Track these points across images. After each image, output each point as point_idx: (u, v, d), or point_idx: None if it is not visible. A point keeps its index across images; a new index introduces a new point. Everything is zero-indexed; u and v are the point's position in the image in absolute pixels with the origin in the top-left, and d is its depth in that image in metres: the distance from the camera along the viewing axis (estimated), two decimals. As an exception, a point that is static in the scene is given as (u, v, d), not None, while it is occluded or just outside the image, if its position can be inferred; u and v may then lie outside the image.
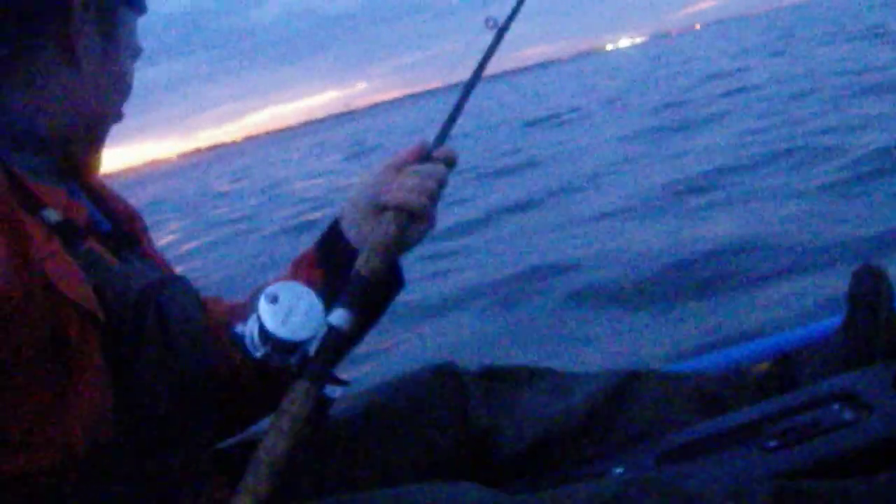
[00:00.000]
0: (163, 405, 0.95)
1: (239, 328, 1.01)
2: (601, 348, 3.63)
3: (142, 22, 1.10)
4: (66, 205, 0.94)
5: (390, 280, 1.21)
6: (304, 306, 1.00)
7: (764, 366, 1.54)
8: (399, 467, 1.27)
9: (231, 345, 1.01)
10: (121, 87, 1.07)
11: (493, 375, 1.40)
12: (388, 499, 1.02)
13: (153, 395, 0.94)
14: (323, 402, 0.98)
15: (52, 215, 0.88)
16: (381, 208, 1.16)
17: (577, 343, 3.74)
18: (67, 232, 0.89)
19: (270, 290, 0.99)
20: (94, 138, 1.06)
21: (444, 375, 1.36)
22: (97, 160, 1.08)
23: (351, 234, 1.20)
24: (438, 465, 1.28)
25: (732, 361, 1.68)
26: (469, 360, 1.45)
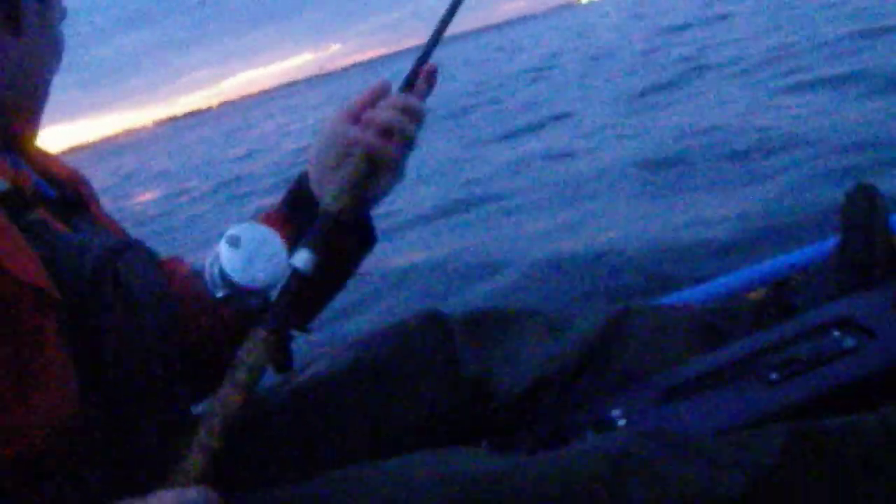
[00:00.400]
0: (132, 376, 0.89)
1: (199, 264, 0.98)
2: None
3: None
4: (10, 174, 0.90)
5: (361, 228, 1.15)
6: (266, 251, 0.96)
7: (759, 293, 1.50)
8: (391, 425, 1.21)
9: (196, 293, 0.99)
10: (57, 51, 1.05)
11: (480, 320, 1.34)
12: (392, 473, 0.94)
13: (121, 368, 0.88)
14: (284, 351, 0.95)
15: None
16: (343, 157, 1.08)
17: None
18: (13, 202, 0.85)
19: (232, 232, 0.95)
20: (36, 105, 1.03)
21: (431, 323, 1.30)
22: (36, 126, 1.04)
23: (316, 189, 1.13)
24: (432, 417, 1.23)
25: (727, 290, 1.65)
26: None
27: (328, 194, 1.05)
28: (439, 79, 1.14)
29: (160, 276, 1.01)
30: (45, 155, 1.07)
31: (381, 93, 1.11)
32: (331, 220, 1.03)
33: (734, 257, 2.97)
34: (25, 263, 0.78)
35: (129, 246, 0.97)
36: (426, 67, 1.12)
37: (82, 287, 0.84)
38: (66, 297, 0.82)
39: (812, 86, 6.43)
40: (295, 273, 0.97)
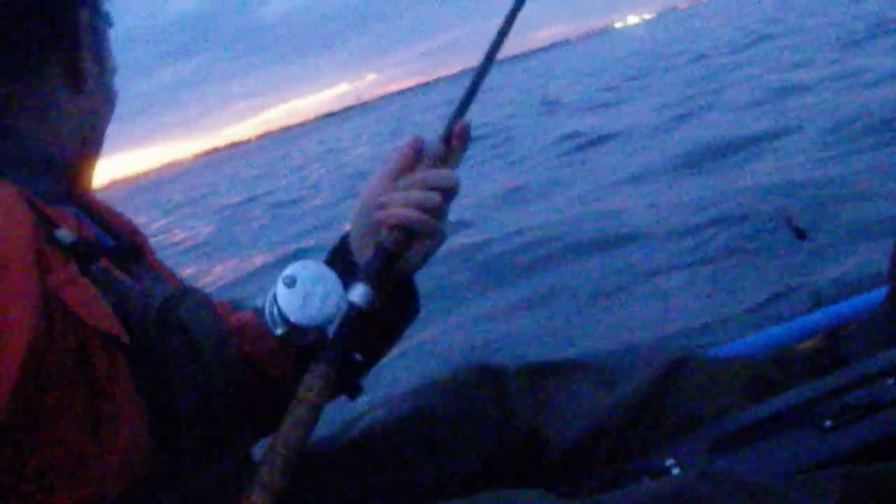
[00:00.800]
0: (198, 417, 0.91)
1: (259, 302, 1.02)
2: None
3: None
4: (75, 225, 0.91)
5: (403, 294, 1.15)
6: (322, 288, 0.99)
7: (811, 343, 1.50)
8: (446, 475, 1.23)
9: (256, 329, 1.03)
10: (110, 108, 1.08)
11: (533, 371, 1.36)
12: None
13: (187, 412, 0.90)
14: (346, 384, 0.98)
15: (66, 235, 0.85)
16: (378, 227, 1.08)
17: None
18: (81, 252, 0.86)
19: (288, 272, 0.99)
20: (94, 157, 1.06)
21: (485, 374, 1.32)
22: (92, 176, 1.07)
23: (356, 253, 1.12)
24: (487, 468, 1.25)
25: (778, 340, 1.65)
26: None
27: (384, 230, 1.06)
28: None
29: (218, 319, 1.03)
30: (99, 205, 1.09)
31: (416, 153, 1.11)
32: (386, 255, 1.04)
33: (786, 307, 2.94)
34: (98, 311, 0.80)
35: (188, 292, 0.98)
36: (460, 125, 1.11)
37: (149, 333, 0.86)
38: (133, 342, 0.84)
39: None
40: (352, 307, 0.99)
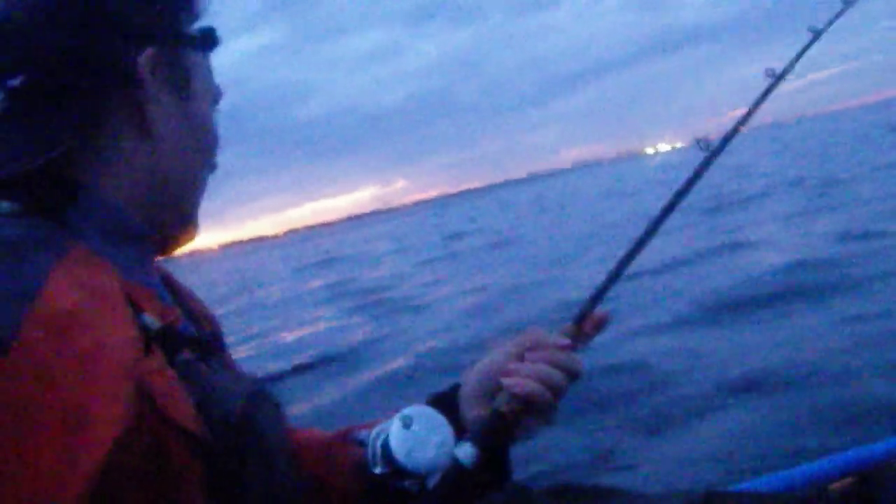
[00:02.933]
0: None
1: (364, 434, 1.00)
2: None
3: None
4: (161, 309, 0.84)
5: (497, 464, 1.11)
6: (436, 439, 0.97)
7: (843, 483, 1.47)
8: None
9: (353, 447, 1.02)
10: (205, 141, 0.97)
11: (561, 493, 1.33)
12: None
13: None
14: None
15: (152, 322, 0.79)
16: (498, 389, 1.05)
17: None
18: (167, 341, 0.80)
19: (408, 412, 0.97)
20: (186, 204, 0.96)
21: (516, 496, 1.30)
22: (194, 224, 0.99)
23: (464, 408, 1.09)
24: None
25: (810, 478, 1.61)
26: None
27: (503, 396, 1.04)
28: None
29: (288, 434, 0.99)
30: (181, 286, 1.04)
31: (545, 341, 1.08)
32: (501, 421, 1.02)
33: (817, 444, 2.90)
34: (180, 406, 0.75)
35: (265, 396, 0.94)
36: (598, 315, 1.11)
37: (227, 434, 0.81)
38: (211, 443, 0.79)
39: None
40: (456, 464, 0.96)
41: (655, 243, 1.18)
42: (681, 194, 1.20)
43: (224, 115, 1.00)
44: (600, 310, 1.11)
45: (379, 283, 15.11)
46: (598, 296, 1.12)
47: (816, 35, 1.46)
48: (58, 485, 0.61)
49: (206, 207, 1.00)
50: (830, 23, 1.51)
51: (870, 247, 7.34)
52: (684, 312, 6.47)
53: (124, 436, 0.65)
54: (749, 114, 1.36)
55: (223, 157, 1.00)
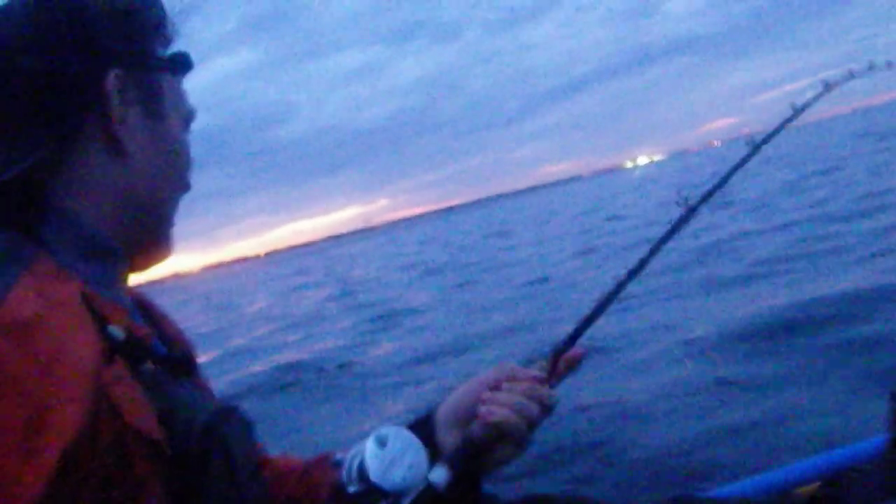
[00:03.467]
0: None
1: (340, 456, 1.02)
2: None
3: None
4: (128, 323, 0.85)
5: (468, 492, 1.12)
6: (409, 459, 1.00)
7: (810, 489, 1.50)
8: None
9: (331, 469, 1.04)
10: (176, 162, 0.99)
11: (530, 503, 1.35)
12: None
13: None
14: None
15: (118, 332, 0.80)
16: (473, 417, 1.09)
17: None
18: (131, 351, 0.82)
19: (381, 432, 1.00)
20: (158, 222, 0.98)
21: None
22: (167, 243, 1.01)
23: (440, 434, 1.11)
24: None
25: (777, 484, 1.65)
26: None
27: (477, 423, 1.07)
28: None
29: (254, 446, 1.01)
30: (154, 307, 1.06)
31: (520, 374, 1.11)
32: (474, 447, 1.05)
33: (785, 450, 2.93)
34: (141, 414, 0.77)
35: (234, 411, 0.96)
36: (573, 353, 1.14)
37: (191, 445, 0.83)
38: (173, 451, 0.81)
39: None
40: (429, 486, 0.99)
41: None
42: (662, 241, 1.23)
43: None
44: (576, 348, 1.14)
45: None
46: (576, 335, 1.15)
47: (796, 112, 1.50)
48: (16, 484, 0.63)
49: (187, 230, 1.02)
50: (811, 102, 1.55)
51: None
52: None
53: (82, 439, 0.67)
54: (725, 179, 1.38)
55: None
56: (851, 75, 1.54)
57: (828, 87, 1.55)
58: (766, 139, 1.44)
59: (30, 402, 0.65)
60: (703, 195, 1.28)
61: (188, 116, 1.02)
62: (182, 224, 1.02)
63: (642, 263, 1.21)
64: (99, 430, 0.70)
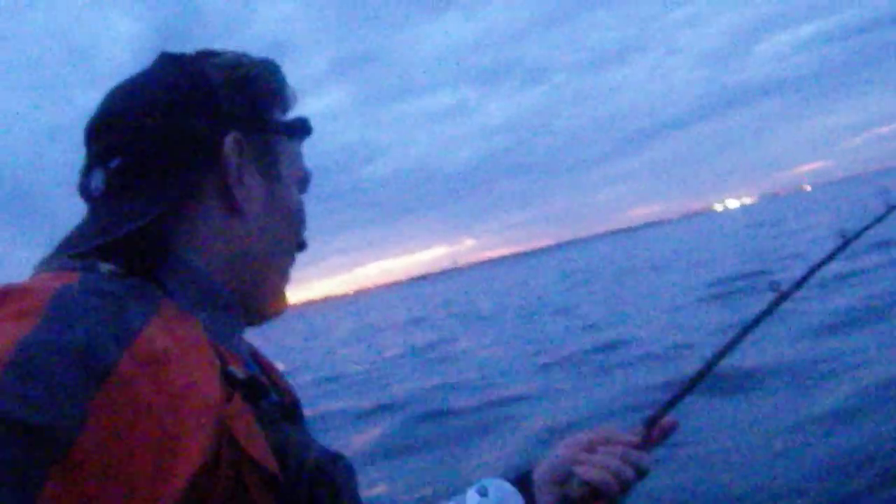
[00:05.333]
0: None
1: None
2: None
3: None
4: (243, 369, 0.88)
5: None
6: None
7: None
8: None
9: None
10: (291, 222, 1.01)
11: None
12: None
13: None
14: None
15: (239, 371, 0.84)
16: (569, 476, 1.12)
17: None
18: (250, 390, 0.85)
19: (485, 482, 1.06)
20: (272, 280, 1.00)
21: None
22: (280, 299, 1.03)
23: (537, 492, 1.13)
24: None
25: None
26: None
27: (574, 482, 1.11)
28: None
29: (358, 495, 1.01)
30: (266, 360, 1.08)
31: (616, 437, 1.15)
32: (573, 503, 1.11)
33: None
34: (258, 446, 0.79)
35: (341, 457, 0.98)
36: (667, 422, 1.17)
37: (302, 481, 0.86)
38: (287, 486, 0.83)
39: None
40: None
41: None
42: (752, 325, 1.24)
43: None
44: (670, 417, 1.17)
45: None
46: (671, 403, 1.18)
47: (847, 241, 1.45)
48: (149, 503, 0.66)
49: None
50: (863, 230, 1.50)
51: None
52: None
53: (207, 465, 0.71)
54: (815, 269, 1.35)
55: None
56: None
57: None
58: (858, 234, 1.42)
59: (162, 429, 0.68)
60: (795, 282, 1.28)
61: (304, 178, 1.05)
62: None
63: (732, 344, 1.22)
64: (220, 459, 0.74)
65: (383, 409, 9.24)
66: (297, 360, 18.64)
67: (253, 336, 1.01)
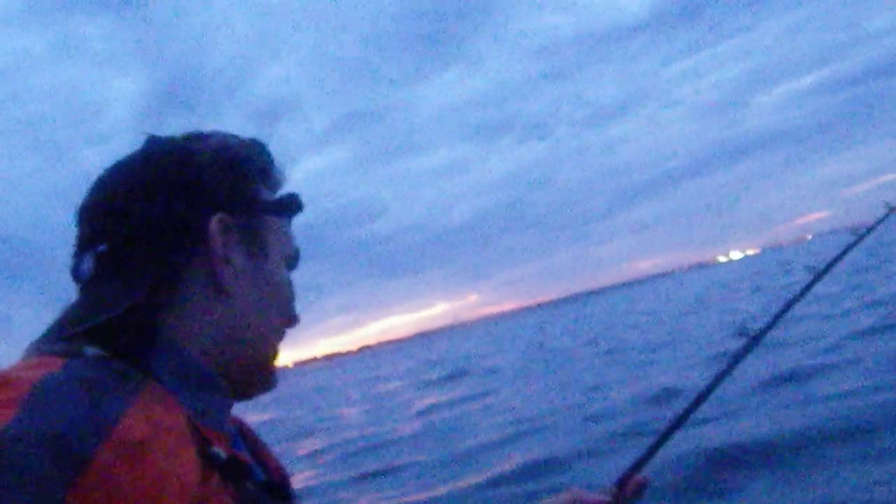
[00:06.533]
0: None
1: None
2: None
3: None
4: (227, 447, 0.89)
5: None
6: None
7: None
8: None
9: None
10: (279, 300, 1.01)
11: None
12: None
13: None
14: None
15: (221, 452, 0.85)
16: None
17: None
18: (232, 471, 0.85)
19: None
20: (260, 357, 0.99)
21: None
22: (270, 376, 1.02)
23: None
24: None
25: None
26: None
27: None
28: None
29: None
30: (255, 437, 1.08)
31: (587, 499, 1.14)
32: None
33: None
34: None
35: None
36: (638, 480, 1.18)
37: None
38: None
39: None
40: None
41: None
42: (723, 374, 1.24)
43: (297, 235, 1.07)
44: (641, 475, 1.17)
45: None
46: (642, 461, 1.19)
47: (859, 238, 1.50)
48: None
49: None
50: (872, 228, 1.56)
51: None
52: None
53: None
54: (787, 308, 1.38)
55: (296, 276, 1.06)
56: None
57: (890, 209, 1.53)
58: (826, 269, 1.42)
59: None
60: (763, 327, 1.28)
61: (293, 255, 1.05)
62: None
63: (702, 396, 1.22)
64: None
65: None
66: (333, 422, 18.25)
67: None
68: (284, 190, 1.04)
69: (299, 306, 1.04)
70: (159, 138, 0.97)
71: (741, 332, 1.23)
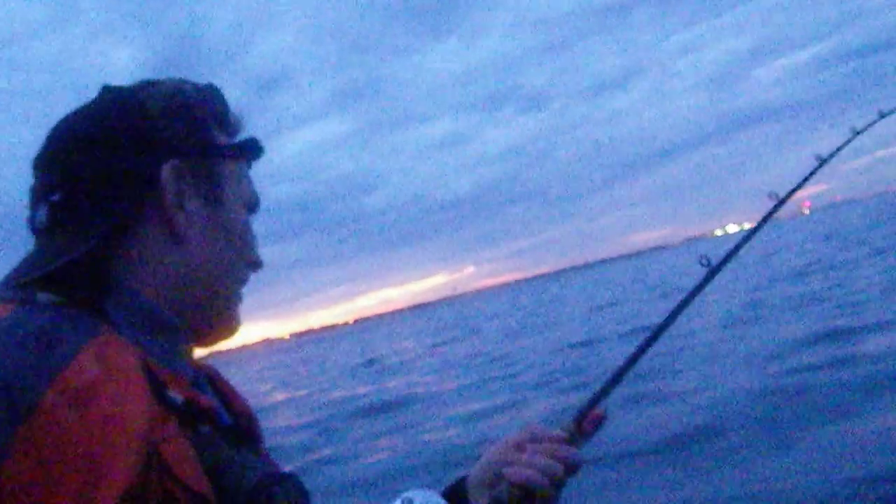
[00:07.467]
0: None
1: None
2: None
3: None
4: (188, 392, 0.89)
5: None
6: None
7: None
8: None
9: None
10: (236, 245, 1.02)
11: None
12: None
13: None
14: None
15: (176, 397, 0.86)
16: (501, 478, 1.10)
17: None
18: (188, 414, 0.87)
19: (408, 494, 1.02)
20: (218, 302, 1.01)
21: None
22: (230, 321, 1.03)
23: (472, 497, 1.14)
24: None
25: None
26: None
27: (504, 484, 1.08)
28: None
29: None
30: (224, 382, 1.08)
31: (544, 434, 1.13)
32: None
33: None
34: (190, 470, 0.80)
35: (289, 477, 0.96)
36: (596, 414, 1.15)
37: (238, 501, 0.85)
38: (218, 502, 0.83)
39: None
40: None
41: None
42: (682, 305, 1.25)
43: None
44: (599, 409, 1.15)
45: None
46: (599, 396, 1.16)
47: (822, 162, 1.52)
48: None
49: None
50: (835, 152, 1.57)
51: None
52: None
53: (134, 490, 0.73)
54: (751, 234, 1.42)
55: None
56: (881, 115, 1.58)
57: (855, 133, 1.57)
58: (784, 199, 1.44)
59: (86, 460, 0.71)
60: (723, 257, 1.29)
61: (252, 201, 1.06)
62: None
63: (662, 327, 1.22)
64: (150, 484, 0.76)
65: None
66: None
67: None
68: (245, 135, 1.05)
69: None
70: (112, 87, 0.99)
71: (701, 263, 1.24)
